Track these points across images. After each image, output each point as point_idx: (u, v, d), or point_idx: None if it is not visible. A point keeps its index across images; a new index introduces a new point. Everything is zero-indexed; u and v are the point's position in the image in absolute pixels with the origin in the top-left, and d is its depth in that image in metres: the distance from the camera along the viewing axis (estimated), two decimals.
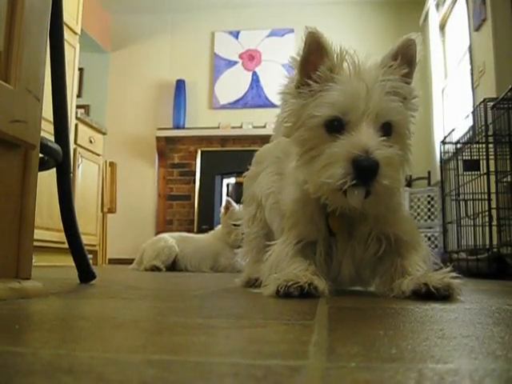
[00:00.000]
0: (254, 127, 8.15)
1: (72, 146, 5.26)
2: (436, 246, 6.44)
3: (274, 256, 1.75)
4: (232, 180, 8.29)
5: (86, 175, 5.86)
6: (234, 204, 5.05)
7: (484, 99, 3.98)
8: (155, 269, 5.03)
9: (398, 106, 1.58)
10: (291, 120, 1.67)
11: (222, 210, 5.18)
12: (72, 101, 5.25)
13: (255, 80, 8.50)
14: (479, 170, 3.99)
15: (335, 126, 1.54)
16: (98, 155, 6.23)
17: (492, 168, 3.75)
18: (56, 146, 1.97)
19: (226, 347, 0.72)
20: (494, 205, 3.71)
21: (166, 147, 8.37)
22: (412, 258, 1.68)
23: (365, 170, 1.44)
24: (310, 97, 1.61)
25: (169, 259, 5.18)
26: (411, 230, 1.80)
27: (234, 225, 4.93)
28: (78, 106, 5.79)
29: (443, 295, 1.47)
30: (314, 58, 1.64)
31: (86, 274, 2.22)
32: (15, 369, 0.55)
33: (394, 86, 1.58)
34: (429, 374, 0.54)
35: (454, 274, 1.54)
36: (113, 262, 7.10)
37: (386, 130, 1.55)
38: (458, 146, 4.59)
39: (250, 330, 0.86)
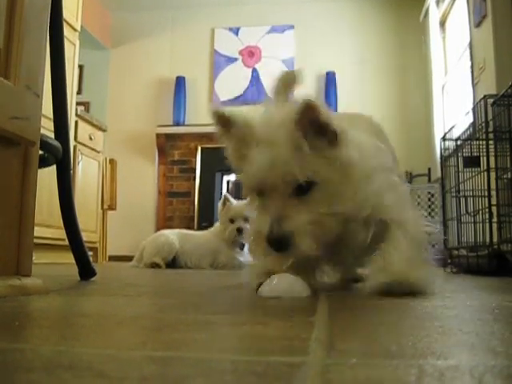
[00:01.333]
0: None
1: (72, 143, 5.26)
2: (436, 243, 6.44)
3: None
4: (232, 177, 8.28)
5: (86, 172, 5.86)
6: (231, 199, 5.04)
7: (484, 96, 3.97)
8: (155, 266, 5.03)
9: (307, 161, 1.46)
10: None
11: (220, 205, 5.17)
12: (72, 98, 5.25)
13: (255, 76, 8.49)
14: (479, 166, 3.98)
15: (261, 192, 1.54)
16: (98, 152, 6.23)
17: (492, 165, 3.74)
18: (56, 143, 1.97)
19: (226, 344, 0.72)
20: (494, 201, 3.71)
21: (166, 144, 8.37)
22: (393, 243, 1.62)
23: (278, 244, 1.44)
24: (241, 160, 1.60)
25: (169, 256, 5.18)
26: (396, 202, 1.70)
27: (231, 221, 4.95)
28: (77, 103, 5.79)
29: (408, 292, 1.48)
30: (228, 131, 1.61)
31: (86, 271, 2.22)
32: (15, 365, 0.55)
33: (301, 142, 1.46)
34: (429, 370, 0.54)
35: (427, 268, 1.56)
36: (113, 259, 7.10)
37: (305, 188, 1.48)
38: (459, 142, 4.59)
39: (251, 327, 0.86)
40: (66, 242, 2.25)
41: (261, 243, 1.48)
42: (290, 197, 1.48)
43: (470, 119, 4.71)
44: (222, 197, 5.21)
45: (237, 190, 7.10)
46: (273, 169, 1.47)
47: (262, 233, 1.46)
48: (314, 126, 1.46)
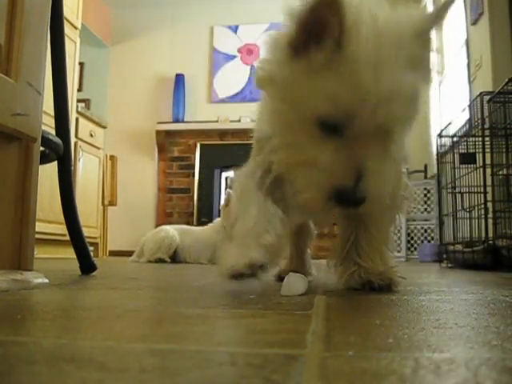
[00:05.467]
0: (252, 121, 8.11)
1: (73, 139, 5.25)
2: (432, 239, 6.49)
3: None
4: (231, 173, 8.27)
5: (87, 168, 5.87)
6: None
7: (480, 93, 3.97)
8: (159, 261, 5.07)
9: (416, 110, 1.19)
10: (276, 88, 1.21)
11: (224, 202, 5.15)
12: (73, 95, 5.25)
13: (253, 74, 8.47)
14: (475, 163, 3.99)
15: (331, 126, 1.12)
16: (99, 149, 6.24)
17: (488, 161, 3.75)
18: (57, 140, 1.98)
19: (224, 337, 0.73)
20: (489, 197, 3.72)
21: (165, 141, 8.36)
22: (368, 236, 1.49)
23: (352, 204, 1.16)
24: (305, 71, 1.12)
25: (170, 250, 5.21)
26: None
27: None
28: (78, 100, 5.80)
29: (383, 288, 1.42)
30: (321, 21, 1.09)
31: (87, 266, 2.23)
32: (17, 358, 0.56)
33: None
34: (425, 362, 0.54)
35: (394, 268, 1.48)
36: (113, 254, 7.10)
37: (387, 133, 1.17)
38: (455, 139, 4.59)
39: (249, 320, 0.86)
40: (67, 237, 2.26)
41: (324, 194, 1.14)
42: (372, 141, 1.13)
43: (466, 116, 4.71)
44: (226, 194, 5.19)
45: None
46: (382, 104, 1.07)
47: (335, 184, 1.12)
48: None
